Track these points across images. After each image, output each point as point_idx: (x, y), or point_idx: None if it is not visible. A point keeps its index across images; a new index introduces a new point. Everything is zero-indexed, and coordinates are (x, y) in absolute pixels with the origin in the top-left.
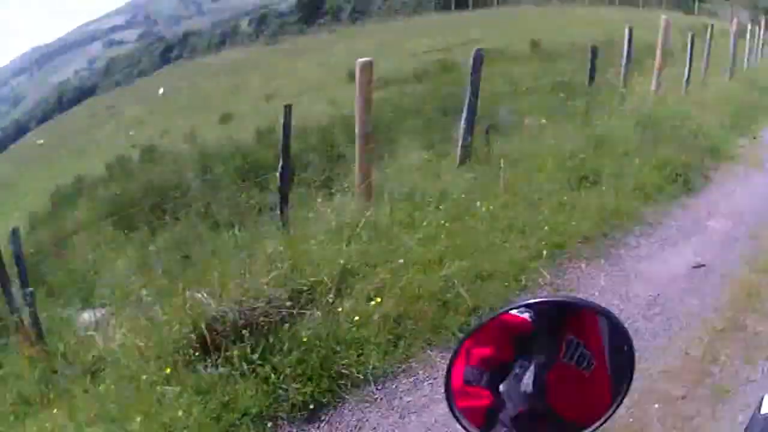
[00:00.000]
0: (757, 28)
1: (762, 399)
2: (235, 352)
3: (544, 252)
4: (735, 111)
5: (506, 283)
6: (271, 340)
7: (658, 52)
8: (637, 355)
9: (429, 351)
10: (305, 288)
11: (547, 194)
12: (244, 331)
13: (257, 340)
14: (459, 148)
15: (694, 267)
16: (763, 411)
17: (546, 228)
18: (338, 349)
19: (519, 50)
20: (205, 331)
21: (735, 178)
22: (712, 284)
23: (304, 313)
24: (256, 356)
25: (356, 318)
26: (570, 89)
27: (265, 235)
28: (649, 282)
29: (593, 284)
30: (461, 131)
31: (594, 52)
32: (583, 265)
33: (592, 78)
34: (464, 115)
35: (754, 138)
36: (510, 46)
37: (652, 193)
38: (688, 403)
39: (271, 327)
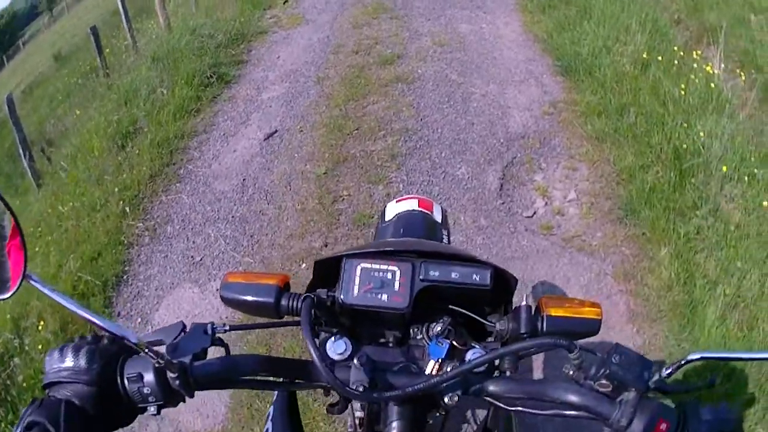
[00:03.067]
0: None
1: (385, 208)
2: None
3: None
4: None
5: None
6: None
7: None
8: None
9: None
10: None
11: None
12: None
13: None
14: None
15: (267, 138)
16: (386, 219)
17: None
18: None
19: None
20: None
21: (273, 46)
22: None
23: None
24: None
25: None
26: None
27: None
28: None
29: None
30: (25, 164)
31: (95, 33)
32: (164, 198)
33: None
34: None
35: (286, 1)
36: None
37: (191, 109)
38: None
39: None
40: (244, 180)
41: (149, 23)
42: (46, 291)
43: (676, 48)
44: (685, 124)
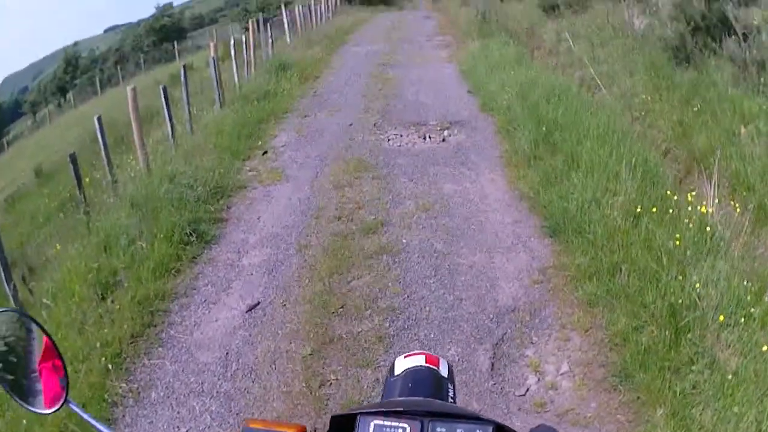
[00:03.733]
0: (246, 36)
1: (393, 363)
2: None
3: None
4: (231, 139)
5: None
6: None
7: (135, 127)
8: None
9: None
10: None
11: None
12: None
13: None
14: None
15: (249, 310)
16: (395, 374)
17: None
18: None
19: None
20: None
21: (253, 204)
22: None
23: None
24: None
25: None
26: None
27: None
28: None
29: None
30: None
31: (74, 160)
32: (146, 361)
33: (80, 185)
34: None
35: (265, 153)
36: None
37: (171, 268)
38: None
39: None
40: (227, 353)
41: (128, 158)
42: (85, 417)
43: (668, 192)
44: (681, 277)
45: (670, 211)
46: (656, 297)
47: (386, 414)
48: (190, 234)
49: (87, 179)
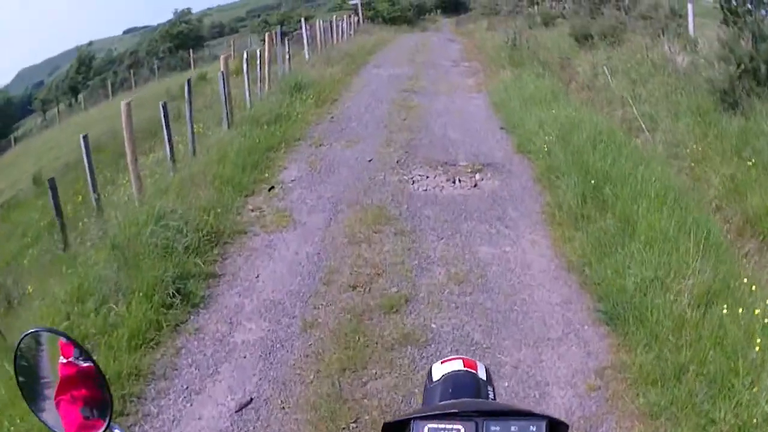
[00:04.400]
0: (262, 50)
1: (431, 369)
2: None
3: None
4: (235, 168)
5: None
6: None
7: (128, 148)
8: None
9: None
10: None
11: None
12: None
13: None
14: None
15: (239, 409)
16: (434, 379)
17: None
18: None
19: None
20: None
21: (253, 257)
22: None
23: None
24: None
25: None
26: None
27: None
28: None
29: None
30: None
31: (53, 187)
32: None
33: (60, 215)
34: None
35: (271, 189)
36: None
37: (149, 339)
38: None
39: None
40: None
41: (124, 178)
42: None
43: (746, 280)
44: (755, 388)
45: (743, 298)
46: (727, 411)
47: (440, 417)
48: (174, 294)
49: (80, 197)
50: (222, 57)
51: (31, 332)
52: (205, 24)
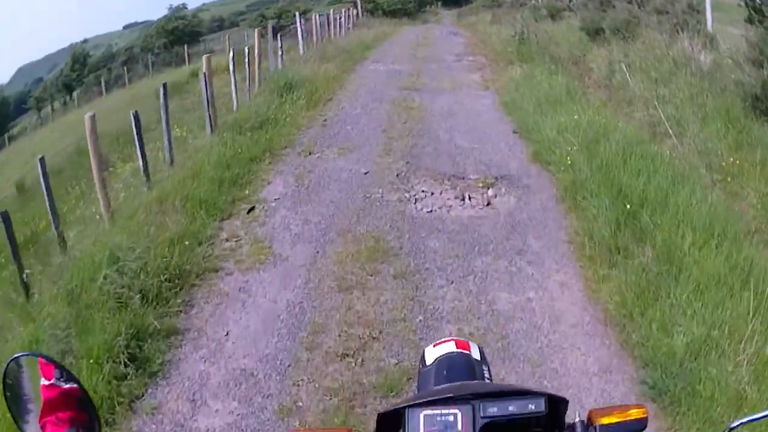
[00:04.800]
0: (252, 47)
1: (424, 353)
2: None
3: None
4: (212, 185)
5: None
6: None
7: (94, 165)
8: None
9: None
10: None
11: None
12: None
13: None
14: None
15: None
16: (427, 363)
17: None
18: None
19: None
20: None
21: (223, 305)
22: None
23: None
24: None
25: None
26: None
27: None
28: None
29: None
30: None
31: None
32: None
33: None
34: None
35: (251, 210)
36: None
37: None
38: None
39: None
40: None
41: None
42: None
43: None
44: None
45: None
46: None
47: (434, 403)
48: (128, 362)
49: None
50: (204, 57)
51: (14, 358)
52: (205, 18)
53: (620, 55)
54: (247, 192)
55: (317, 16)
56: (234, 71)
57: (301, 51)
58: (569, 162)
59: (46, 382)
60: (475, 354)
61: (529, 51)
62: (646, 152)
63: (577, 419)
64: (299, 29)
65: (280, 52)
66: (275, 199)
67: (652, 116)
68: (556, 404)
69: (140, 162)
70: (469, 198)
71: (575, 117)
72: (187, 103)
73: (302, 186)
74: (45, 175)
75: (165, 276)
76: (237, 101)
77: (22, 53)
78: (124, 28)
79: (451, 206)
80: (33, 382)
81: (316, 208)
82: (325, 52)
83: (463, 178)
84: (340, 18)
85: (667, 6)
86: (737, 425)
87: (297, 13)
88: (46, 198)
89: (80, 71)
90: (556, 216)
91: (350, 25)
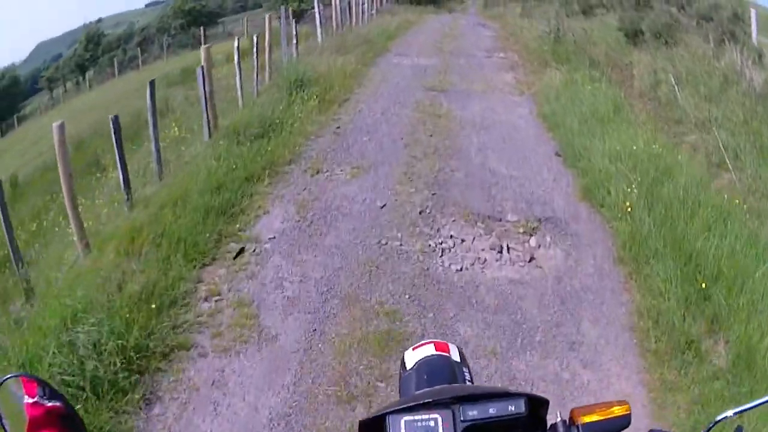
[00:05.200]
0: (261, 35)
1: (403, 357)
2: None
3: None
4: (195, 216)
5: None
6: None
7: (64, 186)
8: None
9: None
10: None
11: None
12: None
13: None
14: None
15: None
16: (407, 368)
17: None
18: None
19: None
20: None
21: (190, 408)
22: None
23: None
24: None
25: None
26: None
27: None
28: None
29: None
30: None
31: None
32: None
33: None
34: None
35: (240, 254)
36: None
37: None
38: None
39: None
40: None
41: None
42: None
43: None
44: None
45: None
46: None
47: (415, 408)
48: None
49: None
50: (203, 48)
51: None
52: None
53: (664, 62)
54: (237, 226)
55: (337, 1)
56: (239, 62)
57: (320, 39)
58: (628, 207)
59: (30, 400)
60: (455, 356)
61: (566, 51)
62: (713, 201)
63: (559, 419)
64: (317, 15)
65: (294, 41)
66: (270, 239)
67: (705, 141)
68: (537, 405)
69: (120, 176)
70: (508, 249)
71: (629, 142)
72: (194, 95)
73: (304, 221)
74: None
75: (123, 358)
76: (242, 98)
77: (41, 30)
78: (146, 6)
79: (485, 262)
80: (17, 401)
81: (318, 257)
82: (344, 42)
83: (500, 220)
84: (363, 3)
85: (711, 12)
86: (725, 417)
87: None
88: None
89: (94, 51)
90: (614, 285)
91: (374, 11)
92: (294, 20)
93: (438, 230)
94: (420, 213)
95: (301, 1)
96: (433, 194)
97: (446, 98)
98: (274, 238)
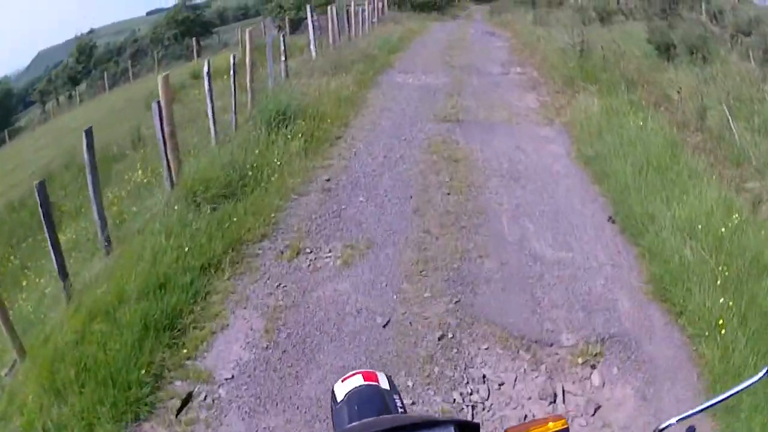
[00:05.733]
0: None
1: (333, 389)
2: None
3: None
4: (129, 335)
5: None
6: None
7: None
8: None
9: None
10: None
11: None
12: None
13: None
14: None
15: None
16: (338, 400)
17: None
18: None
19: None
20: None
21: None
22: None
23: None
24: None
25: None
26: None
27: None
28: None
29: None
30: None
31: None
32: None
33: None
34: None
35: (185, 406)
36: None
37: None
38: None
39: None
40: None
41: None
42: None
43: None
44: None
45: None
46: None
47: None
48: None
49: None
50: (160, 77)
51: None
52: (230, 6)
53: (705, 82)
54: (184, 352)
55: (333, 11)
56: (210, 90)
57: (314, 54)
58: (719, 327)
59: None
60: (384, 384)
61: (594, 68)
62: None
63: None
64: (311, 27)
65: (283, 57)
66: (227, 380)
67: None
68: (467, 429)
69: (54, 262)
70: (563, 395)
71: (699, 205)
72: (178, 115)
73: (275, 347)
74: None
75: None
76: (216, 135)
77: (42, 38)
78: (148, 14)
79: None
80: None
81: (291, 421)
82: (341, 57)
83: (551, 344)
84: (362, 12)
85: (751, 26)
86: (671, 423)
87: (309, 6)
88: None
89: (86, 63)
90: None
91: (375, 20)
92: (289, 30)
93: (465, 368)
94: (439, 339)
95: (299, 9)
96: (457, 302)
97: (462, 132)
98: (232, 378)
